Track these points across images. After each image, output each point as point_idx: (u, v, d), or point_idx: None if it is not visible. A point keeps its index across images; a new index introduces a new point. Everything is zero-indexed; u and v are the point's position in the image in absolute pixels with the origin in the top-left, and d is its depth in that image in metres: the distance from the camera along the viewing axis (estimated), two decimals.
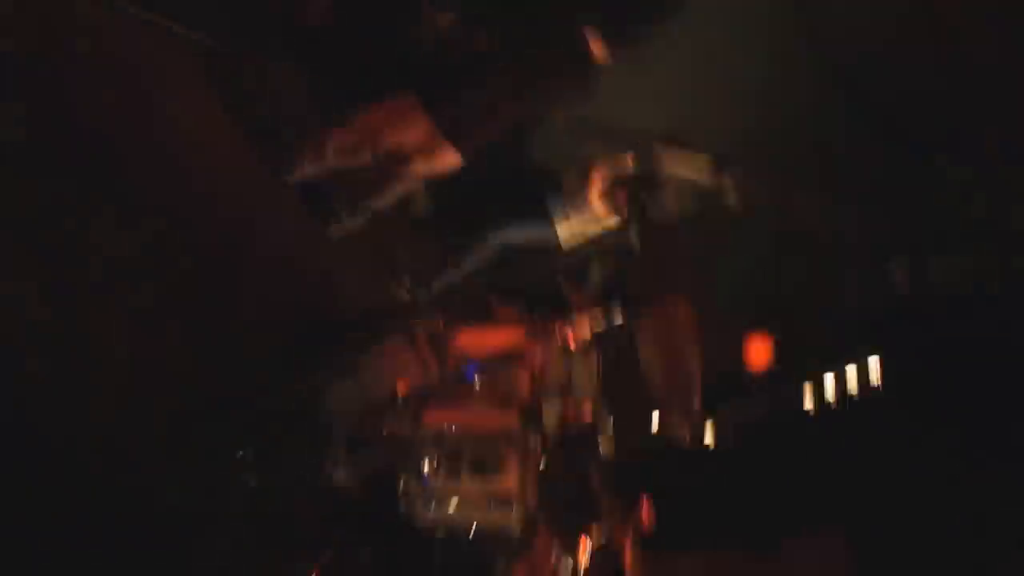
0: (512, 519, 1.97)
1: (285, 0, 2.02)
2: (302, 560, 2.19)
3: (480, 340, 2.14)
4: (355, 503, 2.25)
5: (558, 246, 2.53)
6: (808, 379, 2.31)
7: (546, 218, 2.52)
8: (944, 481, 2.07)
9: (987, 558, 1.97)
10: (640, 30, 1.78)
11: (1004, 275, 2.31)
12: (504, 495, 1.96)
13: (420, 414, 2.03)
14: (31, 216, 1.90)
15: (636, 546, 1.96)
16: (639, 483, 2.05)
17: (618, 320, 2.10)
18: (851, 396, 2.27)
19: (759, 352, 2.35)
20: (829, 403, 2.23)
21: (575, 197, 2.49)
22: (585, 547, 1.90)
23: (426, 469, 2.00)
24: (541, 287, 2.30)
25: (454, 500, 1.99)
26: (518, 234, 2.58)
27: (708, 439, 2.07)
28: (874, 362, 2.27)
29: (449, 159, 2.45)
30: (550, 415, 2.01)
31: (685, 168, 2.10)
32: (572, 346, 2.05)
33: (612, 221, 2.30)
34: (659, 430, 2.07)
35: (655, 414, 2.05)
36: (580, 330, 2.08)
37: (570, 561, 1.88)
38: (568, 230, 2.54)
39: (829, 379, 2.23)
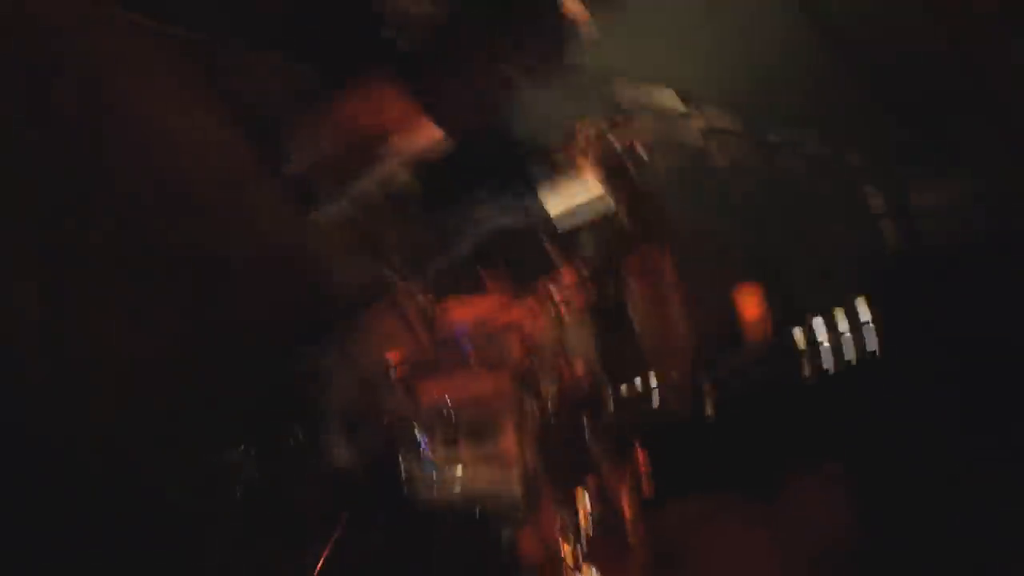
0: (513, 482, 1.99)
1: None
2: (310, 547, 2.20)
3: (470, 310, 2.15)
4: (359, 483, 2.27)
5: (547, 217, 2.53)
6: (800, 328, 2.32)
7: (533, 190, 2.53)
8: (944, 418, 2.08)
9: (989, 495, 1.99)
10: None
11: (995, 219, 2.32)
12: (503, 459, 1.97)
13: (414, 387, 2.04)
14: (31, 216, 1.92)
15: (634, 497, 1.98)
16: (634, 435, 2.06)
17: (608, 282, 2.11)
18: (845, 343, 2.28)
19: (751, 306, 2.35)
20: (823, 352, 2.24)
21: (562, 167, 2.50)
22: (583, 503, 1.91)
23: (424, 441, 2.01)
24: (530, 255, 2.31)
25: (455, 469, 2.01)
26: (505, 208, 2.58)
27: (707, 407, 2.09)
28: (865, 308, 2.28)
29: (430, 134, 2.47)
30: (544, 377, 2.02)
31: (653, 103, 2.11)
32: (563, 309, 2.06)
33: (600, 188, 2.31)
34: (656, 391, 2.09)
35: (651, 376, 2.06)
36: (570, 293, 2.09)
37: (571, 519, 1.89)
38: (557, 200, 2.55)
39: (820, 326, 2.24)
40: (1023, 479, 1.97)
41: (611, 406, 2.09)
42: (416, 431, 2.03)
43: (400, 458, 2.06)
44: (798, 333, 2.22)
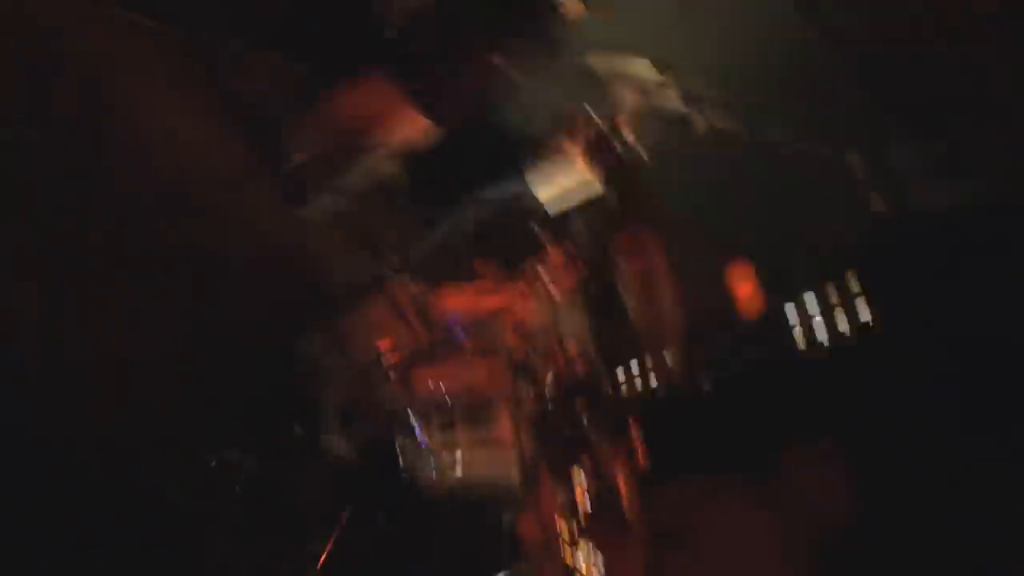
0: (510, 466, 1.99)
1: None
2: (313, 541, 2.19)
3: (463, 298, 2.17)
4: (358, 474, 2.26)
5: (538, 203, 2.56)
6: (793, 304, 2.33)
7: (524, 177, 2.55)
8: (936, 391, 2.08)
9: (985, 469, 1.98)
10: None
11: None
12: (500, 443, 1.97)
13: (410, 377, 2.05)
14: (31, 216, 1.94)
15: (631, 477, 1.97)
16: (630, 416, 2.06)
17: (598, 262, 2.13)
18: (837, 319, 2.30)
19: (743, 283, 2.37)
20: (816, 328, 2.25)
21: (552, 154, 2.53)
22: (580, 482, 1.91)
23: (421, 429, 2.02)
24: (521, 240, 2.33)
25: (452, 455, 2.01)
26: (497, 196, 2.61)
27: (702, 384, 2.09)
28: (856, 283, 2.30)
29: (419, 124, 2.51)
30: (538, 361, 2.03)
31: (636, 77, 2.14)
32: (555, 292, 2.08)
33: (588, 171, 2.34)
34: (650, 371, 2.10)
35: (645, 355, 2.07)
36: (561, 275, 2.11)
37: (568, 498, 1.88)
38: (548, 187, 2.58)
39: (812, 301, 2.25)
40: (1017, 451, 1.96)
41: (606, 387, 2.10)
42: (413, 420, 2.04)
43: (398, 447, 2.06)
44: (790, 308, 2.23)
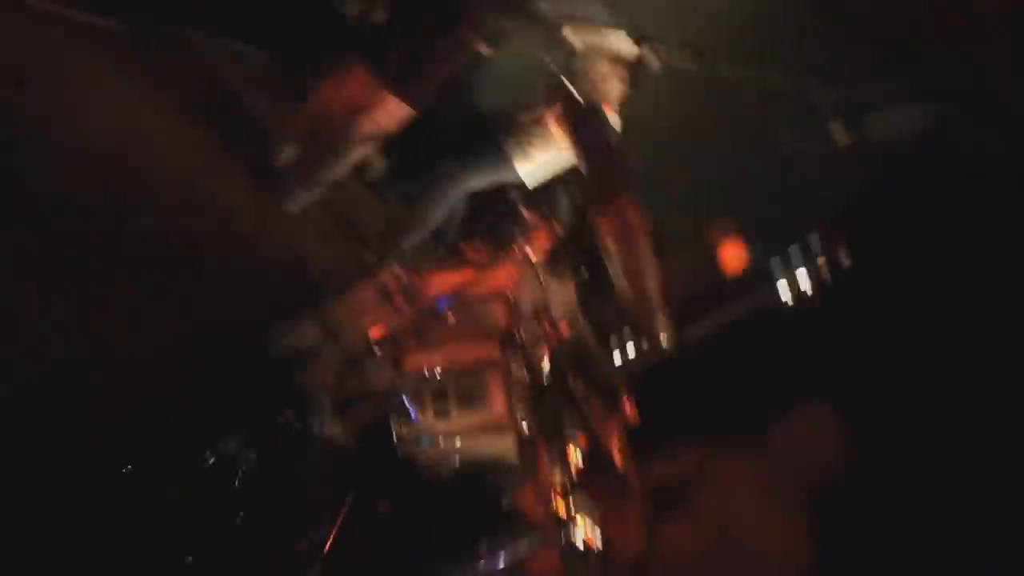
0: (508, 445, 2.00)
1: None
2: (315, 531, 2.22)
3: (450, 279, 2.16)
4: (356, 461, 2.29)
5: (521, 183, 2.54)
6: (779, 265, 2.33)
7: (504, 158, 2.53)
8: (924, 343, 2.10)
9: (973, 416, 2.00)
10: None
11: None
12: (495, 423, 1.98)
13: (400, 360, 2.05)
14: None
15: (624, 444, 1.99)
16: (623, 385, 2.08)
17: (580, 233, 2.12)
18: (824, 275, 2.29)
19: (731, 251, 2.36)
20: (801, 282, 2.25)
21: (531, 132, 2.49)
22: (575, 455, 1.93)
23: (415, 412, 2.03)
24: (503, 217, 2.32)
25: (448, 438, 2.02)
26: (479, 178, 2.59)
27: (692, 350, 2.10)
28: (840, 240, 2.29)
29: (395, 109, 2.48)
30: (529, 337, 2.03)
31: (603, 42, 2.10)
32: (541, 267, 2.07)
33: (565, 142, 2.31)
34: (640, 340, 2.10)
35: (636, 323, 2.07)
36: (545, 249, 2.10)
37: (564, 472, 1.91)
38: (529, 167, 2.55)
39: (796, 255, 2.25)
40: (1004, 401, 1.98)
41: (598, 358, 2.11)
42: (406, 404, 2.05)
43: (393, 432, 2.08)
44: (776, 265, 2.22)
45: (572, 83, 2.09)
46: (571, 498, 1.85)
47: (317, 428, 2.14)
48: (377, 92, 2.26)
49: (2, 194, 1.84)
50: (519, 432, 2.00)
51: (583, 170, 2.07)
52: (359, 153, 2.37)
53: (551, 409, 2.00)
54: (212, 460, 2.16)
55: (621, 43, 2.10)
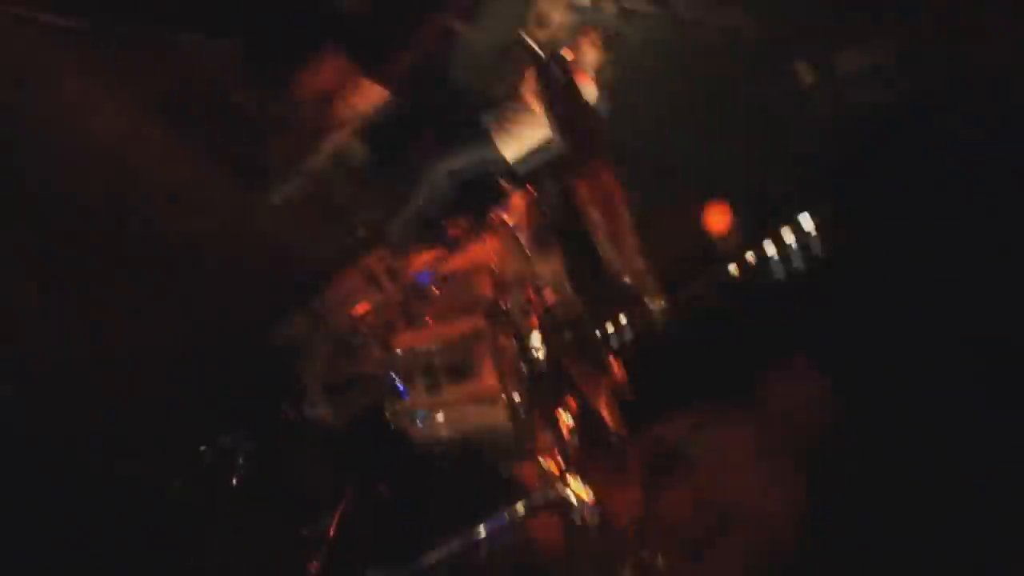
0: (500, 416, 2.00)
1: None
2: (318, 519, 2.24)
3: (436, 258, 2.16)
4: (355, 445, 2.30)
5: (504, 160, 2.52)
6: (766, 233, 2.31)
7: (485, 137, 2.51)
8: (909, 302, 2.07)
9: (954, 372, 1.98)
10: None
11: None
12: (486, 395, 1.98)
13: (389, 341, 2.05)
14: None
15: (615, 408, 1.99)
16: (613, 351, 2.07)
17: (559, 201, 2.11)
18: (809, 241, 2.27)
19: (717, 219, 2.34)
20: (787, 253, 2.23)
21: (510, 109, 2.48)
22: (567, 421, 1.93)
23: (406, 390, 2.03)
24: (487, 192, 2.31)
25: (441, 413, 2.02)
26: (462, 159, 2.57)
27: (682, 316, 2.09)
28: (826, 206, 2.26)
29: (372, 92, 2.47)
30: (517, 309, 2.02)
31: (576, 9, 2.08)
32: (526, 239, 2.06)
33: (547, 117, 2.29)
34: (630, 308, 2.09)
35: (623, 289, 2.05)
36: (525, 218, 2.09)
37: (557, 438, 1.90)
38: (511, 143, 2.53)
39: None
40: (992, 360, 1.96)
41: (587, 326, 2.10)
42: (397, 383, 2.05)
43: (386, 413, 2.08)
44: (762, 235, 2.20)
45: (545, 51, 2.07)
46: (565, 463, 1.84)
47: (311, 415, 2.15)
48: (352, 76, 2.25)
49: (2, 194, 1.85)
50: (511, 401, 2.00)
51: (559, 137, 2.05)
52: (338, 140, 2.37)
53: (541, 377, 1.99)
54: (208, 454, 2.18)
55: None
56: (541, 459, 1.92)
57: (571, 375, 2.00)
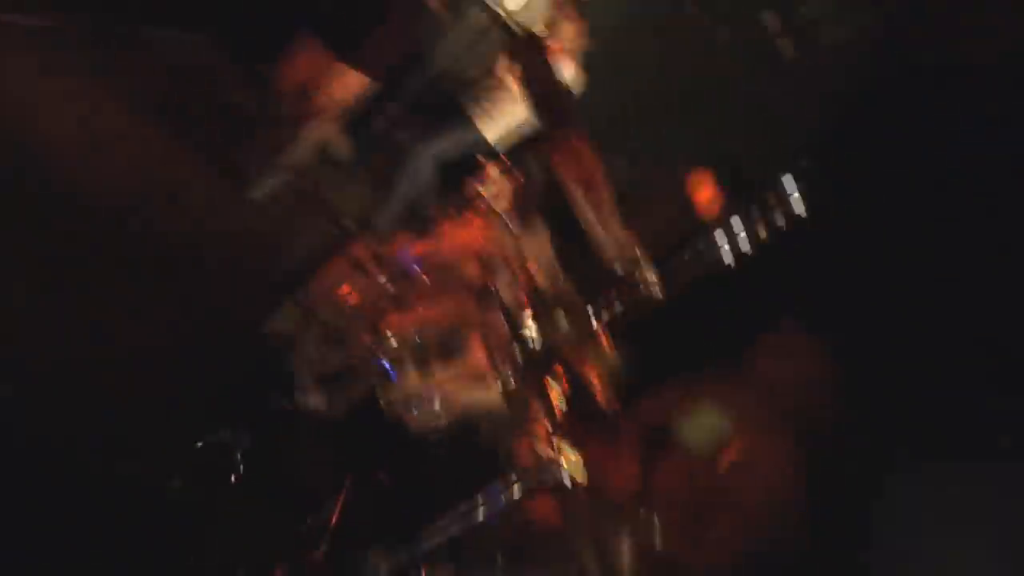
0: (494, 395, 2.01)
1: None
2: (322, 506, 2.23)
3: (422, 243, 2.19)
4: (352, 434, 2.30)
5: (486, 142, 2.55)
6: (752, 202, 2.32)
7: (467, 121, 2.54)
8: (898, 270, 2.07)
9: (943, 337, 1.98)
10: None
11: None
12: (478, 374, 2.00)
13: (379, 326, 2.08)
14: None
15: (607, 384, 1.99)
16: (600, 325, 2.08)
17: (536, 175, 2.13)
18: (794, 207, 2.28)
19: (704, 191, 2.36)
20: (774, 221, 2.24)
21: (489, 91, 2.51)
22: (558, 397, 1.93)
23: (398, 375, 2.05)
24: (468, 173, 2.33)
25: (435, 394, 2.04)
26: (445, 145, 2.60)
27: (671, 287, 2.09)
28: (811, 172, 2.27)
29: (350, 80, 2.50)
30: (504, 287, 2.04)
31: None
32: (512, 221, 2.09)
33: (518, 91, 2.31)
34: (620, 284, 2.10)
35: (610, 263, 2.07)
36: (510, 200, 2.12)
37: (548, 412, 1.91)
38: (492, 126, 2.56)
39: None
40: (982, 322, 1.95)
41: (576, 303, 2.11)
42: (388, 367, 2.07)
43: (379, 397, 2.10)
44: (747, 202, 2.21)
45: (521, 30, 2.10)
46: (558, 438, 1.85)
47: (305, 406, 2.16)
48: (329, 64, 2.29)
49: (2, 194, 1.88)
50: (503, 381, 2.01)
51: (535, 116, 2.08)
52: (319, 131, 2.40)
53: (533, 355, 2.01)
54: (207, 450, 2.19)
55: None
56: (535, 436, 1.92)
57: (562, 352, 2.01)
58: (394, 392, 2.08)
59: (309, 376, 2.14)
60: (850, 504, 1.86)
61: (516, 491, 1.95)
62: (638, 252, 2.02)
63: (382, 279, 2.11)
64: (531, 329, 2.02)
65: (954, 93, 2.28)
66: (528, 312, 2.02)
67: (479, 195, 2.09)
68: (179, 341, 2.42)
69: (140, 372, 2.31)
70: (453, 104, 2.40)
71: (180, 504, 2.20)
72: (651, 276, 2.06)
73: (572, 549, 1.80)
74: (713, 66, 2.39)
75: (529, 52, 2.02)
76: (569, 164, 1.80)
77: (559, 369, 1.98)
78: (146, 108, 2.09)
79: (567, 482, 1.79)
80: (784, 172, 2.25)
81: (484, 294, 2.03)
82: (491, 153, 2.25)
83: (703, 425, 1.94)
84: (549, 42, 2.12)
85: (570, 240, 2.11)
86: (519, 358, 2.01)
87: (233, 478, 2.23)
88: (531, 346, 2.00)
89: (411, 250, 2.15)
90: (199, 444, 2.19)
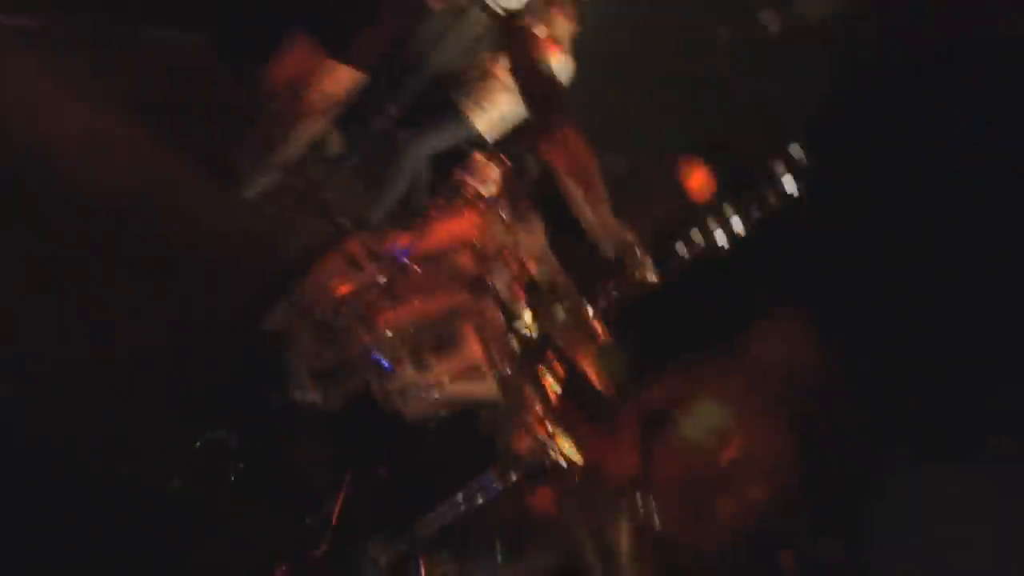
0: (490, 386, 2.02)
1: None
2: (323, 502, 2.23)
3: (416, 237, 2.21)
4: (350, 429, 2.31)
5: (479, 135, 2.58)
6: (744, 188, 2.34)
7: (459, 115, 2.57)
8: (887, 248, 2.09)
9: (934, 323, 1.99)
10: None
11: None
12: (473, 366, 2.00)
13: (373, 321, 2.09)
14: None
15: (603, 371, 2.00)
16: (594, 312, 2.09)
17: (529, 166, 2.16)
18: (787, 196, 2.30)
19: (697, 179, 2.38)
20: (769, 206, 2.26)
21: (482, 85, 2.54)
22: (554, 385, 1.94)
23: (393, 369, 2.05)
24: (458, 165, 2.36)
25: (431, 387, 2.04)
26: (438, 139, 2.63)
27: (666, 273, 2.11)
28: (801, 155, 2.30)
29: (342, 75, 2.53)
30: (498, 279, 2.06)
31: None
32: (505, 211, 2.11)
33: (509, 81, 2.34)
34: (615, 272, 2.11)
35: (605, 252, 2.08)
36: (504, 192, 2.14)
37: (544, 399, 1.92)
38: (485, 119, 2.59)
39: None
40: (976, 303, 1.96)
41: (572, 293, 2.13)
42: (384, 362, 2.08)
43: (375, 393, 2.10)
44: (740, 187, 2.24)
45: (511, 18, 2.14)
46: (554, 425, 1.86)
47: (302, 402, 2.17)
48: (320, 60, 2.31)
49: (2, 194, 1.90)
50: (499, 371, 2.02)
51: (527, 107, 2.11)
52: (311, 128, 2.43)
53: (530, 346, 2.02)
54: (202, 448, 2.19)
55: None
56: (532, 425, 1.93)
57: (559, 342, 2.02)
58: (391, 386, 2.09)
59: (305, 372, 2.15)
60: (845, 488, 1.86)
61: (514, 478, 1.95)
62: (632, 239, 2.04)
63: (376, 274, 2.13)
64: (526, 319, 2.04)
65: (947, 82, 2.31)
66: (523, 302, 2.04)
67: (471, 186, 2.12)
68: (179, 341, 2.43)
69: (140, 372, 2.33)
70: (444, 97, 2.43)
71: (180, 504, 2.20)
72: (645, 263, 2.07)
73: (570, 535, 1.80)
74: (707, 55, 2.42)
75: (518, 41, 2.05)
76: (560, 152, 1.82)
77: (555, 357, 1.99)
78: (146, 108, 2.12)
79: (564, 468, 1.80)
80: (777, 159, 2.27)
81: (478, 285, 2.04)
82: (483, 144, 2.28)
83: (700, 410, 1.95)
84: (539, 31, 2.16)
85: (564, 229, 2.13)
86: (515, 348, 2.03)
87: (232, 477, 2.23)
88: (527, 335, 2.02)
89: (405, 243, 2.17)
90: (198, 444, 2.19)
